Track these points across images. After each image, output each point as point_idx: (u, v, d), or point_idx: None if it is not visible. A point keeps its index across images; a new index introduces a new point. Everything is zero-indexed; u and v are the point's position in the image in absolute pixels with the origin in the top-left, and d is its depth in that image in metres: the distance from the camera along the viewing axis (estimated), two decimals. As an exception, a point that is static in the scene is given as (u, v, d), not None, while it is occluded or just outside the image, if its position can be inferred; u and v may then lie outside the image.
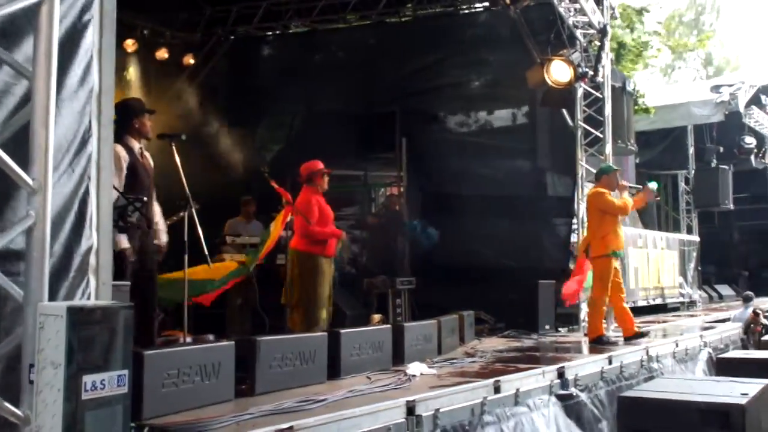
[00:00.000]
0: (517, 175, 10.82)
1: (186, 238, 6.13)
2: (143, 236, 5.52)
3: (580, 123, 10.10)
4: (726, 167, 17.70)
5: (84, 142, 3.32)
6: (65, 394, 2.71)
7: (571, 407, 5.78)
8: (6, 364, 2.94)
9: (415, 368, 5.59)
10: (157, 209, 5.93)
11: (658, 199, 8.61)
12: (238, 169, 10.49)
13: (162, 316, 6.79)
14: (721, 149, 18.10)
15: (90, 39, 3.36)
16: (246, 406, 4.10)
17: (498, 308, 9.63)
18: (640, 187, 8.37)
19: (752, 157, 17.99)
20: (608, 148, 10.05)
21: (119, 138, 5.20)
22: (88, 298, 3.27)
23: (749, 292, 13.60)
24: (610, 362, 6.78)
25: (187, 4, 11.51)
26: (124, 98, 6.37)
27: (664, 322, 11.99)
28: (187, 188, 6.13)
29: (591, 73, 9.60)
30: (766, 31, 53.71)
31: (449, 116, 11.61)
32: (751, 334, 10.73)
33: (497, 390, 5.13)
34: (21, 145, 2.94)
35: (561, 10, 9.43)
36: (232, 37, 12.20)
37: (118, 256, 4.90)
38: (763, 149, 18.36)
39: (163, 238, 6.00)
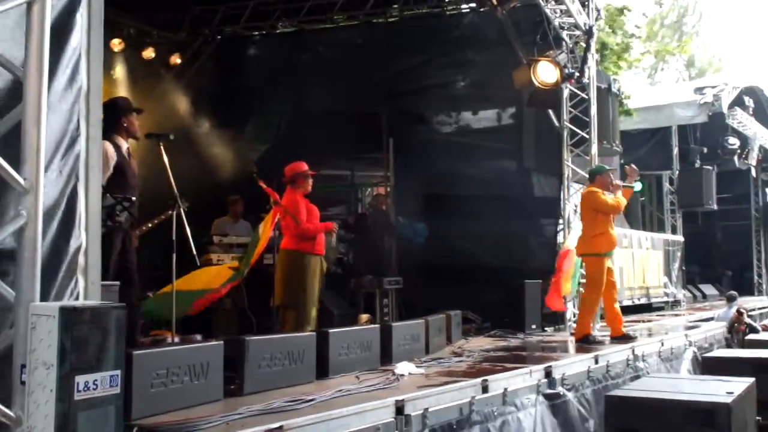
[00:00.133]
0: (504, 176, 10.85)
1: (174, 237, 6.11)
2: (125, 237, 5.50)
3: (566, 124, 10.17)
4: (710, 168, 17.82)
5: (72, 142, 3.31)
6: (58, 394, 2.70)
7: (558, 406, 5.81)
8: (-4, 365, 2.93)
9: (403, 368, 5.61)
10: None
11: (638, 182, 8.68)
12: (225, 169, 10.45)
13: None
14: (705, 150, 18.22)
15: (78, 38, 3.35)
16: (235, 405, 4.09)
17: (485, 308, 9.69)
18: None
19: (735, 158, 18.12)
20: (594, 149, 10.13)
21: (107, 137, 5.18)
22: (77, 298, 3.25)
23: (733, 292, 13.76)
24: (596, 361, 6.82)
25: (173, 4, 11.43)
26: (112, 97, 6.34)
27: (649, 321, 12.07)
28: (175, 188, 6.11)
29: (577, 74, 9.68)
30: (749, 33, 54.19)
31: (436, 116, 11.65)
32: (735, 333, 10.85)
33: (485, 389, 5.15)
34: (12, 145, 2.92)
35: (547, 11, 9.48)
36: (219, 36, 12.15)
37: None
38: (747, 150, 18.51)
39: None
